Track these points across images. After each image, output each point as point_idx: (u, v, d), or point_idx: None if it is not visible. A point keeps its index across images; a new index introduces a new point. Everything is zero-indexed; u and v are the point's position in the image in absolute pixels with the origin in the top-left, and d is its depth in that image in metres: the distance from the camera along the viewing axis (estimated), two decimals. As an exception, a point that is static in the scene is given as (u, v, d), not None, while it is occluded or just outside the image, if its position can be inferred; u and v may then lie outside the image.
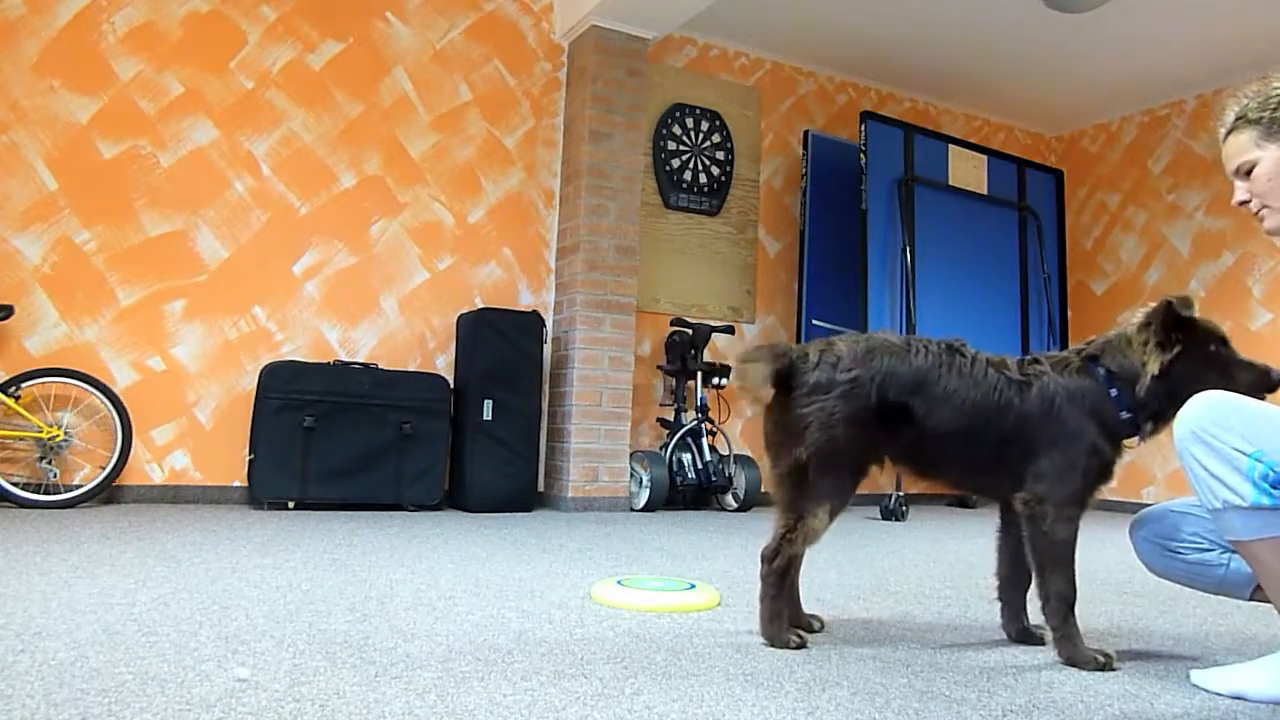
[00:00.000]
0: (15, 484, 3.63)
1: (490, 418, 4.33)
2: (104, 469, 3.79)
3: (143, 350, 4.08)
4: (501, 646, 1.64)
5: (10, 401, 3.64)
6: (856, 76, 6.16)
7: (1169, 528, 1.70)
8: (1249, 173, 1.56)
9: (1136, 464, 6.08)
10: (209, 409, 4.18)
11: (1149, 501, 5.68)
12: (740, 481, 4.86)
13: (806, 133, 5.54)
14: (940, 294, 5.28)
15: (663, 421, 5.01)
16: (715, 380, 4.91)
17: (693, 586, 2.22)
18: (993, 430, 1.70)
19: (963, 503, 5.98)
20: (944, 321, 5.25)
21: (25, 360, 3.85)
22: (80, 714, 1.18)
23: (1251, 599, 1.65)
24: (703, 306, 5.46)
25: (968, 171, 5.60)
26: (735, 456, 4.90)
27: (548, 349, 4.78)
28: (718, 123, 5.58)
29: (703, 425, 4.84)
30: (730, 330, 5.13)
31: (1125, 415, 1.71)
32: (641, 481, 4.69)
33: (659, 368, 5.11)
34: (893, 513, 4.76)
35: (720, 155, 5.57)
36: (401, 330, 4.61)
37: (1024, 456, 1.70)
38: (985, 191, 5.66)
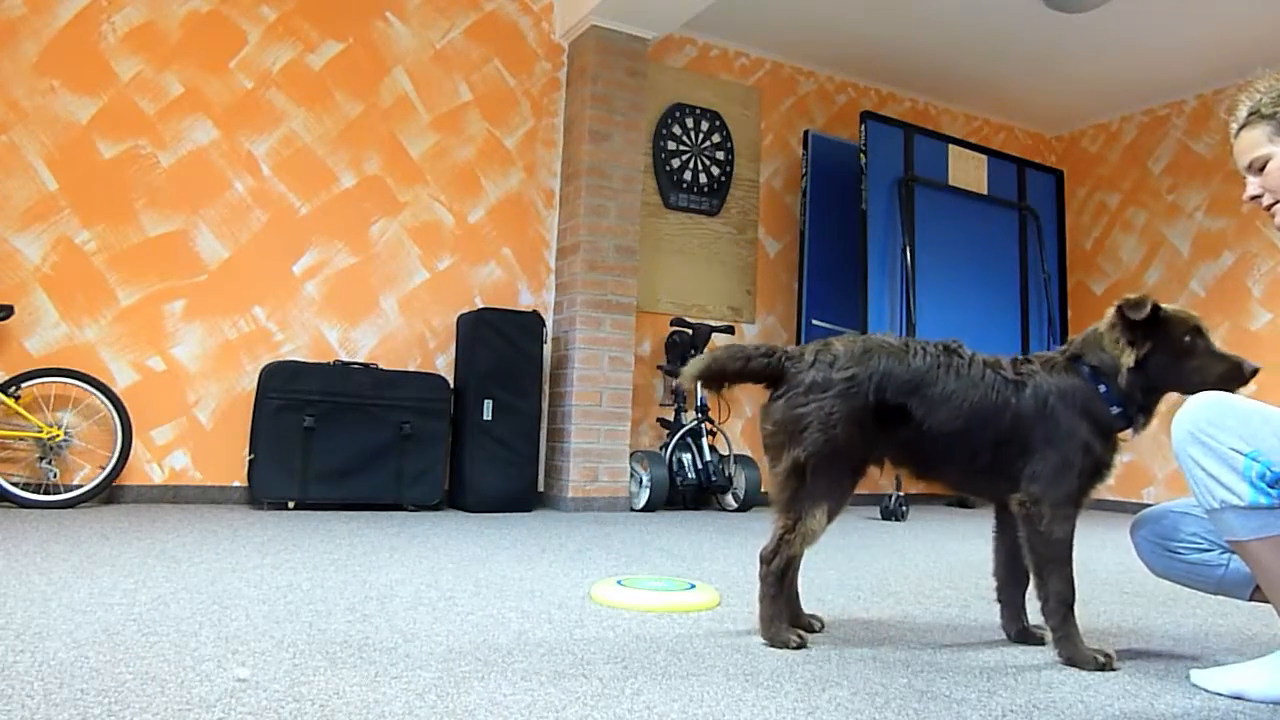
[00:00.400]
0: (15, 484, 3.63)
1: (490, 418, 4.33)
2: (104, 469, 3.79)
3: (143, 350, 4.08)
4: (501, 646, 1.64)
5: (10, 401, 3.64)
6: (856, 76, 6.16)
7: (1169, 528, 1.70)
8: (1262, 168, 1.56)
9: (1137, 464, 6.08)
10: (209, 409, 4.18)
11: (1149, 501, 5.68)
12: (740, 481, 4.86)
13: (806, 133, 5.54)
14: (940, 294, 5.27)
15: (663, 421, 5.02)
16: (715, 380, 4.90)
17: (693, 586, 2.22)
18: (990, 431, 1.70)
19: (963, 503, 5.97)
20: (944, 321, 5.25)
21: (25, 360, 3.85)
22: (80, 714, 1.18)
23: (1251, 599, 1.65)
24: (703, 306, 5.46)
25: (968, 171, 5.60)
26: (735, 456, 4.90)
27: (548, 349, 4.78)
28: (718, 123, 5.58)
29: (703, 425, 4.84)
30: (730, 330, 5.13)
31: (1115, 410, 1.72)
32: (641, 481, 4.69)
33: (659, 368, 5.11)
34: (893, 513, 4.76)
35: (720, 155, 5.57)
36: (401, 330, 4.61)
37: (1019, 456, 1.71)
38: (985, 191, 5.66)
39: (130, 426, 3.84)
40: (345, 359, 4.41)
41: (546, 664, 1.53)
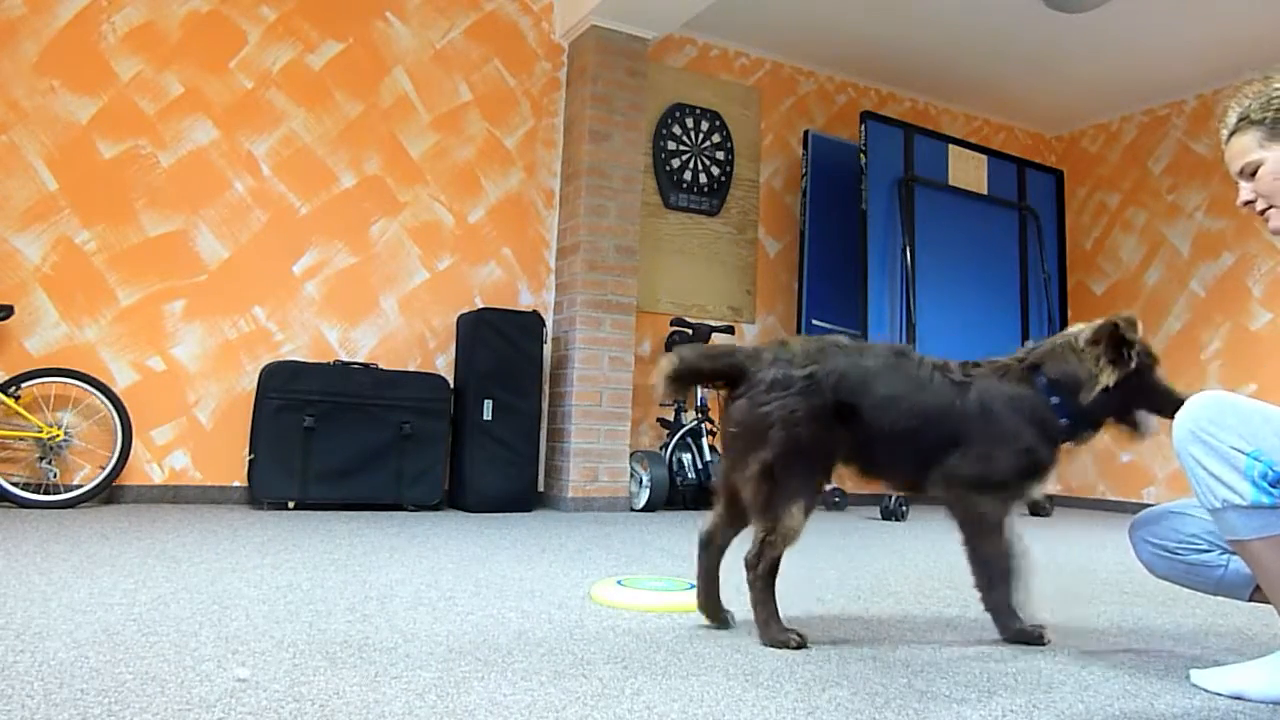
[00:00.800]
0: (15, 484, 3.63)
1: (490, 418, 4.33)
2: (104, 469, 3.79)
3: (143, 350, 4.08)
4: (501, 646, 1.64)
5: (10, 401, 3.64)
6: (856, 76, 6.16)
7: (1168, 529, 1.70)
8: (1254, 174, 1.56)
9: (1137, 464, 6.08)
10: (209, 409, 4.18)
11: (1149, 501, 5.68)
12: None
13: (806, 133, 5.54)
14: (940, 294, 5.27)
15: (663, 421, 5.02)
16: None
17: (693, 586, 2.21)
18: (935, 432, 1.74)
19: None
20: (944, 321, 5.25)
21: (25, 360, 3.85)
22: (80, 714, 1.18)
23: (1251, 599, 1.65)
24: (703, 306, 5.46)
25: (968, 171, 5.60)
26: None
27: (548, 349, 4.78)
28: (718, 123, 5.58)
29: (703, 425, 4.84)
30: (730, 330, 5.13)
31: (1064, 422, 1.78)
32: (641, 481, 4.69)
33: (659, 368, 5.10)
34: (893, 513, 4.76)
35: (720, 155, 5.57)
36: (401, 330, 4.61)
37: (959, 458, 1.75)
38: (985, 191, 5.66)
39: (130, 426, 3.84)
40: (345, 359, 4.41)
41: (546, 664, 1.53)
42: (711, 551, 1.89)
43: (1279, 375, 5.35)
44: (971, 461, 1.74)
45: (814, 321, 5.36)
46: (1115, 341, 1.75)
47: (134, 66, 4.13)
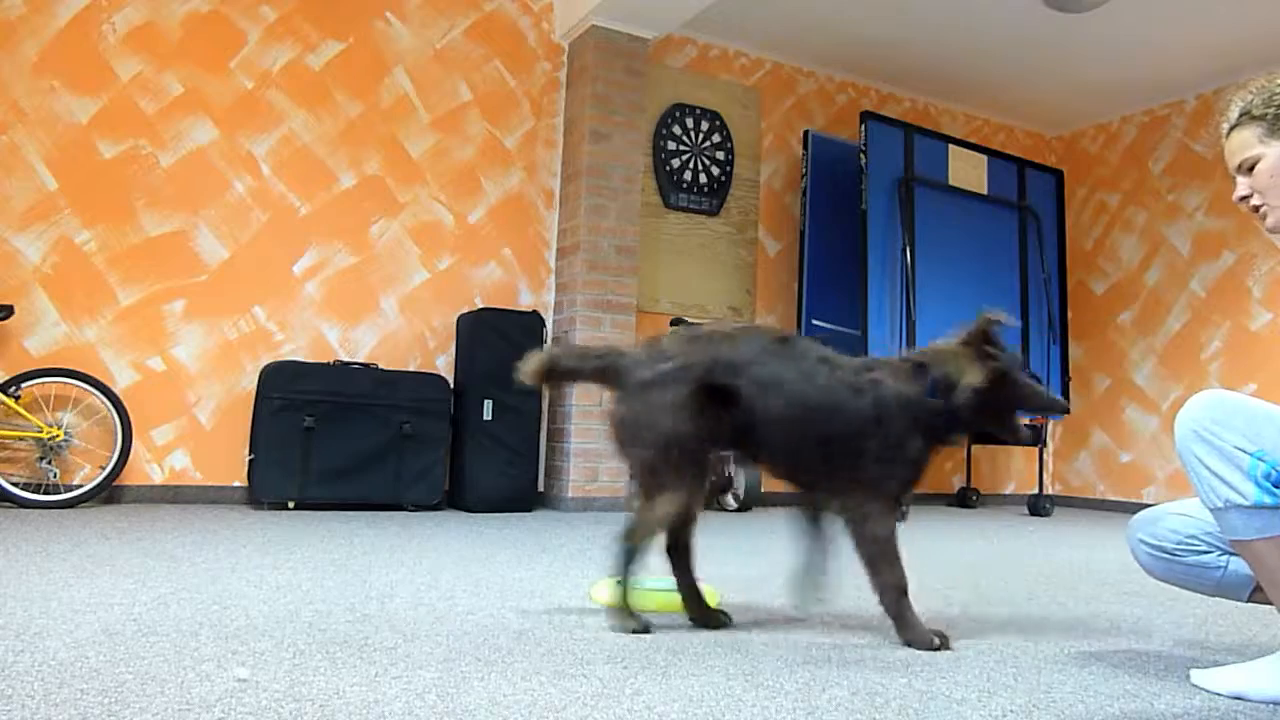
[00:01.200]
0: (15, 484, 3.63)
1: (490, 418, 4.33)
2: (104, 469, 3.79)
3: (143, 350, 4.08)
4: (501, 646, 1.64)
5: (10, 401, 3.64)
6: (856, 76, 6.16)
7: (1166, 530, 1.70)
8: (1251, 169, 1.56)
9: (1137, 464, 6.08)
10: (209, 409, 4.18)
11: (1149, 502, 5.68)
12: (739, 481, 4.86)
13: (806, 133, 5.54)
14: (940, 294, 5.27)
15: (663, 421, 5.00)
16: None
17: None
18: (820, 427, 1.76)
19: (963, 502, 5.98)
20: (944, 321, 5.24)
21: (25, 360, 3.85)
22: (80, 714, 1.18)
23: (1250, 600, 1.65)
24: (703, 306, 5.46)
25: (968, 171, 5.60)
26: (735, 456, 4.90)
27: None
28: (718, 123, 5.58)
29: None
30: (730, 330, 5.12)
31: (944, 421, 1.82)
32: (641, 481, 4.68)
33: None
34: (893, 513, 4.75)
35: (720, 155, 5.57)
36: (401, 330, 4.61)
37: (849, 459, 1.77)
38: (985, 191, 5.66)
39: (130, 426, 3.84)
40: (345, 359, 4.41)
41: (546, 664, 1.53)
42: (679, 556, 1.91)
43: (1279, 375, 5.35)
44: (873, 488, 1.78)
45: (814, 321, 5.36)
46: (983, 341, 1.79)
47: (134, 66, 4.13)
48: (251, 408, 4.09)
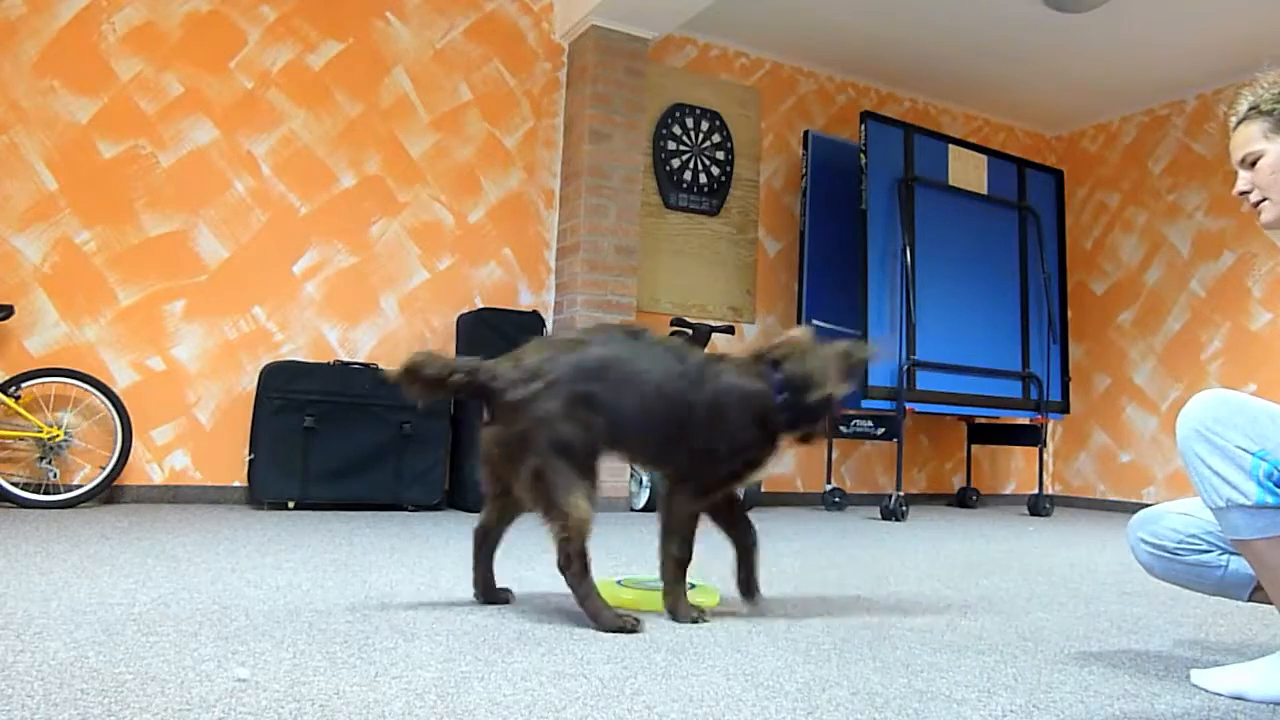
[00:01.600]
0: (15, 484, 3.63)
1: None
2: (104, 469, 3.79)
3: (143, 350, 4.08)
4: (501, 646, 1.64)
5: (10, 401, 3.64)
6: (856, 76, 6.16)
7: (1166, 529, 1.70)
8: (1254, 164, 1.56)
9: (1137, 464, 6.08)
10: (209, 409, 4.18)
11: (1149, 501, 5.68)
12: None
13: (806, 133, 5.54)
14: (940, 294, 5.27)
15: (663, 421, 5.00)
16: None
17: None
18: (668, 415, 1.85)
19: (963, 502, 5.98)
20: (944, 321, 5.25)
21: (25, 360, 3.85)
22: (80, 714, 1.18)
23: (1250, 600, 1.65)
24: (703, 306, 5.46)
25: (968, 171, 5.60)
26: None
27: (548, 349, 4.77)
28: (718, 123, 5.58)
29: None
30: (730, 330, 5.13)
31: (786, 417, 1.91)
32: (641, 481, 4.69)
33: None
34: (893, 513, 4.76)
35: (720, 155, 5.57)
36: (401, 330, 4.61)
37: (686, 442, 1.87)
38: (985, 191, 5.65)
39: (130, 426, 3.84)
40: (345, 359, 4.41)
41: (546, 664, 1.53)
42: (488, 542, 2.15)
43: (1279, 375, 5.35)
44: (696, 468, 1.88)
45: (814, 321, 5.36)
46: (856, 365, 1.95)
47: (134, 66, 4.13)
48: (251, 408, 4.09)
